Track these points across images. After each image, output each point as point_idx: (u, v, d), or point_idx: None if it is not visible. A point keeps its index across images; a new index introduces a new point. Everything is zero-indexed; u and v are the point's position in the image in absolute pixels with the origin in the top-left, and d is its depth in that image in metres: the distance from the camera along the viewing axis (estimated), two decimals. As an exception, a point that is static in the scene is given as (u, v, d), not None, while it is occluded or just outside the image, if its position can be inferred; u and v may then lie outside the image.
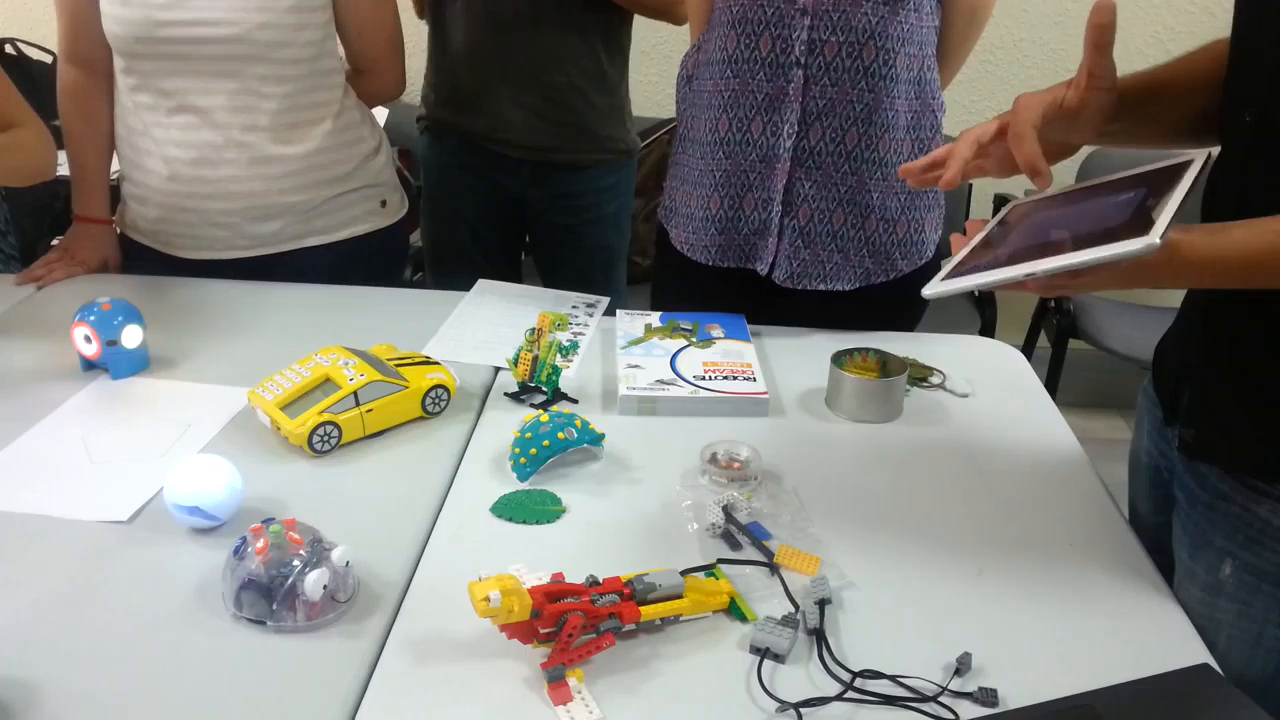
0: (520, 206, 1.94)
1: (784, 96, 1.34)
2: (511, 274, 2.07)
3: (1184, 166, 0.89)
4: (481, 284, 1.58)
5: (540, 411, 1.13)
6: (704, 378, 1.25)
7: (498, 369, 1.32)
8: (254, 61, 1.46)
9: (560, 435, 1.07)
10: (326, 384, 1.14)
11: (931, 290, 0.86)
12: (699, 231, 1.47)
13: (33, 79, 2.24)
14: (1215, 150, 0.92)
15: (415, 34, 1.85)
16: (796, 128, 1.35)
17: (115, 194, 1.65)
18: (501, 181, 1.91)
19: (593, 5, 1.77)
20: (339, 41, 1.59)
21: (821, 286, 1.44)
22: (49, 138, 1.48)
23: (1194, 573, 0.96)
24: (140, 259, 1.62)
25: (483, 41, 1.79)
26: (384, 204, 1.68)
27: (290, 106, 1.51)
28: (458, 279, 1.60)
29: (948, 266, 0.90)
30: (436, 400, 1.19)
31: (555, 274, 2.03)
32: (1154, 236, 0.75)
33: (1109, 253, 0.77)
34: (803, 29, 1.31)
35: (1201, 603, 0.94)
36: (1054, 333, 2.67)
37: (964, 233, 0.98)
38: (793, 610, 0.88)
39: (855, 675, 0.82)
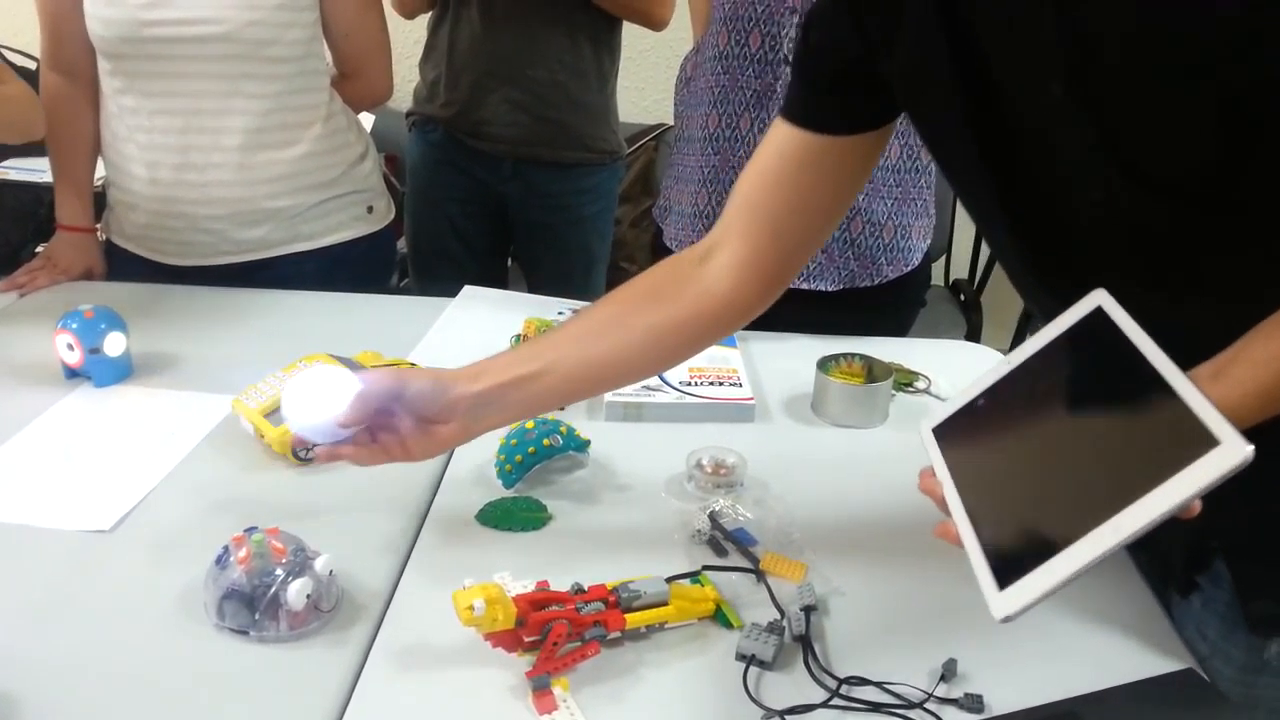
0: (502, 204, 1.94)
1: (772, 93, 1.35)
2: (496, 273, 2.07)
3: (1095, 315, 0.68)
4: (468, 290, 1.57)
5: (526, 418, 1.13)
6: (690, 383, 1.25)
7: (484, 375, 1.31)
8: (241, 60, 1.45)
9: (545, 442, 1.07)
10: (311, 391, 1.13)
11: (1006, 609, 0.63)
12: (688, 227, 1.49)
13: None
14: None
15: (402, 38, 1.85)
16: None
17: (100, 200, 1.64)
18: (483, 178, 1.91)
19: (583, 3, 1.77)
20: (325, 46, 1.59)
21: (804, 286, 1.44)
22: (35, 97, 1.46)
23: (1228, 654, 0.88)
24: (126, 266, 1.61)
25: (478, 34, 1.79)
26: (371, 210, 1.68)
27: (277, 109, 1.50)
28: (441, 278, 1.59)
29: (975, 560, 0.67)
30: (422, 407, 1.18)
31: (535, 274, 2.03)
32: (1238, 440, 0.54)
33: (1203, 481, 0.56)
34: (791, 26, 1.31)
35: (1236, 683, 0.87)
36: (1041, 337, 2.68)
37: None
38: (779, 617, 0.88)
39: (841, 682, 0.82)
